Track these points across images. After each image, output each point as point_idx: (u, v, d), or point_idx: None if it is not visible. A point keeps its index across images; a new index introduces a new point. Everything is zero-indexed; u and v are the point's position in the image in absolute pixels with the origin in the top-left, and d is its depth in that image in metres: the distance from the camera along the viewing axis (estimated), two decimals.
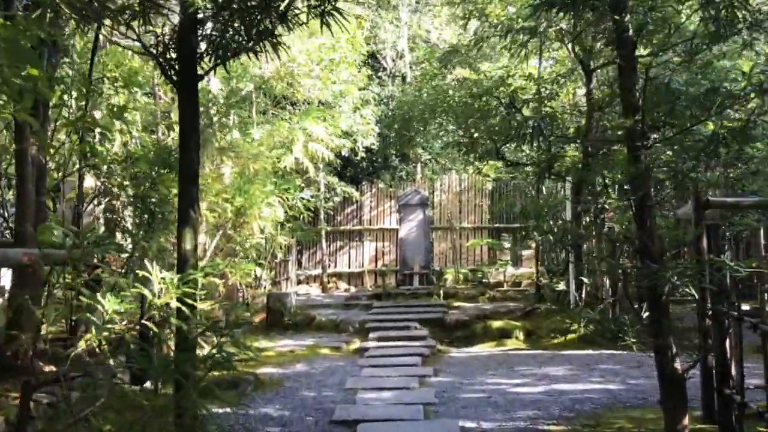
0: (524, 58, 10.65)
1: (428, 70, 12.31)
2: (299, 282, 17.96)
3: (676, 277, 4.55)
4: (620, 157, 6.04)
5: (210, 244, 8.71)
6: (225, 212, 7.56)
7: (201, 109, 7.18)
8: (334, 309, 13.38)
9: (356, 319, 11.81)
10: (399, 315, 11.90)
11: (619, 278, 10.45)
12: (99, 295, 3.83)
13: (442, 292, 13.84)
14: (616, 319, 5.04)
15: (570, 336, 10.06)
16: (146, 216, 5.43)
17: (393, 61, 18.70)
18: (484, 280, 16.01)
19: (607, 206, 11.59)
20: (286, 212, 13.42)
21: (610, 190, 11.59)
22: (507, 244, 16.63)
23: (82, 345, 3.61)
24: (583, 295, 10.24)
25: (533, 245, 16.98)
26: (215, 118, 7.09)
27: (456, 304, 13.39)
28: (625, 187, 5.59)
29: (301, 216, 14.26)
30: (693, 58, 7.08)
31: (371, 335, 10.48)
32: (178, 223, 4.81)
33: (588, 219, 11.09)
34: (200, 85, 6.96)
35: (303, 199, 15.01)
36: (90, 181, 5.91)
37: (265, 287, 14.65)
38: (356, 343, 10.35)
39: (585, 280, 10.26)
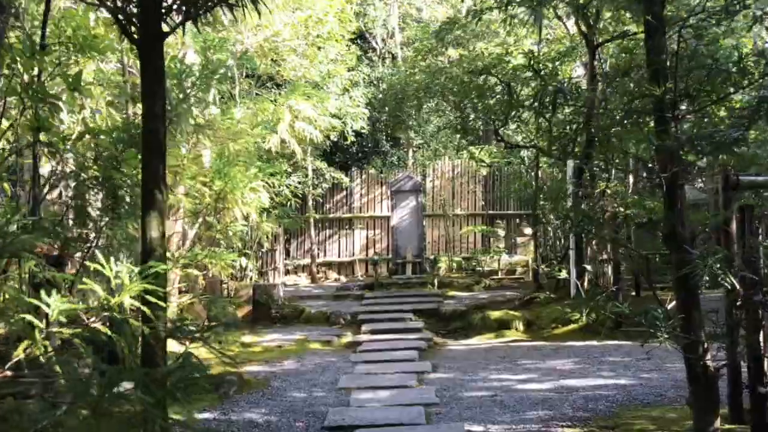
0: (524, 34, 10.06)
1: (422, 47, 11.64)
2: (287, 272, 17.34)
3: (718, 266, 3.97)
4: (633, 133, 5.46)
5: (189, 232, 8.09)
6: (204, 197, 6.94)
7: (174, 81, 6.56)
8: (325, 300, 12.81)
9: (348, 310, 11.24)
10: (392, 306, 11.34)
11: (622, 265, 9.99)
12: (45, 292, 3.22)
13: (436, 281, 13.30)
14: (646, 312, 4.42)
15: (571, 326, 9.54)
16: (111, 200, 4.80)
17: (383, 40, 18.02)
18: (478, 269, 15.51)
19: (608, 190, 11.10)
20: (271, 198, 12.81)
21: (613, 172, 11.11)
22: (501, 232, 16.10)
23: (19, 352, 3.00)
24: (585, 284, 9.69)
25: (528, 232, 16.51)
26: (191, 92, 6.42)
27: (451, 293, 12.86)
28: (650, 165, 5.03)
29: (288, 203, 13.67)
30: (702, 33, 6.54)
31: (364, 328, 9.91)
32: (143, 207, 4.19)
33: (591, 203, 10.58)
34: (173, 53, 6.30)
35: (290, 185, 14.42)
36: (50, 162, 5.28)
37: (251, 278, 14.05)
38: (348, 337, 9.78)
39: (588, 267, 9.72)
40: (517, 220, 17.58)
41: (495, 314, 10.03)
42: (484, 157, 15.71)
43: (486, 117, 9.86)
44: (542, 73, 10.20)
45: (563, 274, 9.82)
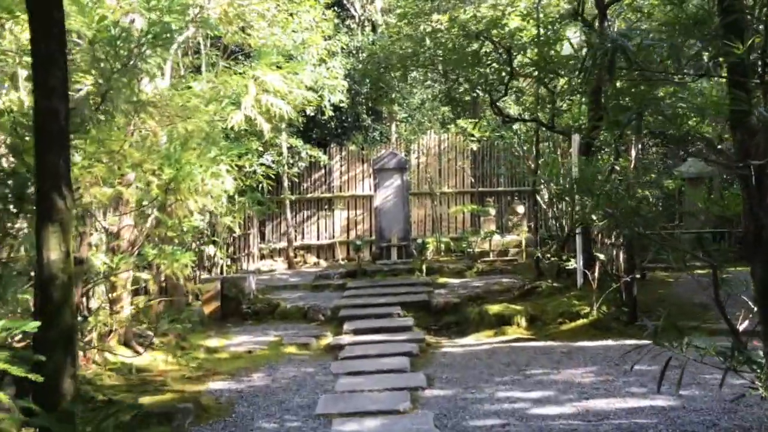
0: None
1: (407, 11, 10.34)
2: (263, 257, 16.15)
3: None
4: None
5: (138, 232, 6.88)
6: (152, 188, 5.74)
7: (107, 49, 5.30)
8: (302, 291, 11.67)
9: (327, 304, 10.11)
10: (377, 298, 10.24)
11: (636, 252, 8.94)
12: None
13: (424, 267, 12.19)
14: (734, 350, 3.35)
15: (581, 321, 8.50)
16: (10, 204, 3.60)
17: (362, 6, 16.65)
18: (468, 250, 14.42)
19: (617, 167, 10.01)
20: (241, 181, 11.56)
21: (623, 148, 10.01)
22: (492, 211, 15.00)
23: None
24: (596, 273, 8.62)
25: (521, 211, 15.45)
26: (131, 62, 5.17)
27: (441, 280, 11.79)
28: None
29: (260, 185, 12.44)
30: None
31: (346, 326, 8.79)
32: (37, 217, 3.02)
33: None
34: (114, 17, 5.10)
35: (263, 165, 13.16)
36: None
37: (221, 267, 12.86)
38: (328, 337, 8.67)
39: (600, 256, 8.64)
40: (509, 197, 16.51)
41: (494, 308, 8.94)
42: (474, 131, 14.53)
43: (482, 87, 8.69)
44: (542, 37, 9.02)
45: (572, 264, 8.72)
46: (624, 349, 7.24)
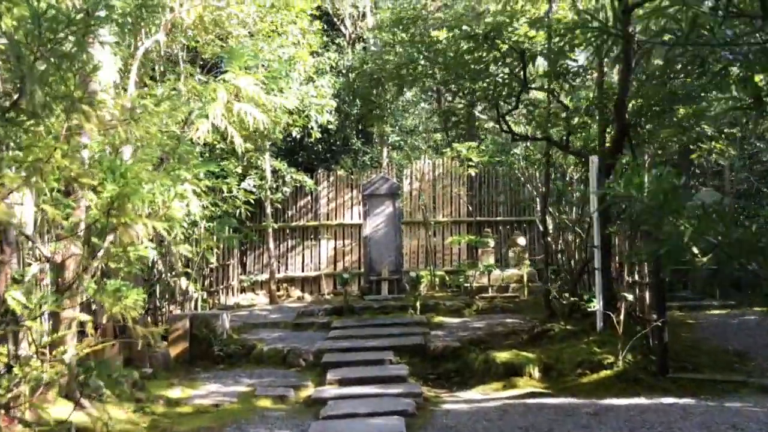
0: None
1: (402, 16, 9.28)
2: (243, 290, 14.91)
3: None
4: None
5: (86, 262, 5.66)
6: (93, 206, 4.55)
7: (30, 27, 4.16)
8: (282, 330, 10.41)
9: (310, 347, 8.87)
10: (366, 340, 9.02)
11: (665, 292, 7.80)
12: None
13: (418, 304, 10.99)
14: None
15: (604, 372, 7.31)
16: None
17: (353, 23, 15.68)
18: (465, 285, 13.26)
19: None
20: (215, 207, 10.40)
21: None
22: (492, 242, 13.87)
23: None
24: (621, 315, 7.46)
25: (522, 242, 14.33)
26: (59, 47, 4.04)
27: (437, 319, 10.59)
28: None
29: (237, 211, 11.28)
30: None
31: (330, 375, 7.54)
32: None
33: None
34: None
35: (243, 189, 12.00)
36: None
37: (195, 301, 11.60)
38: (309, 388, 7.42)
39: (628, 297, 7.46)
40: (509, 228, 15.41)
41: (501, 356, 7.73)
42: (472, 155, 13.47)
43: (489, 98, 7.60)
44: (554, 46, 7.97)
45: (595, 305, 7.53)
46: (661, 408, 6.10)
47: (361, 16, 15.59)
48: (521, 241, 14.35)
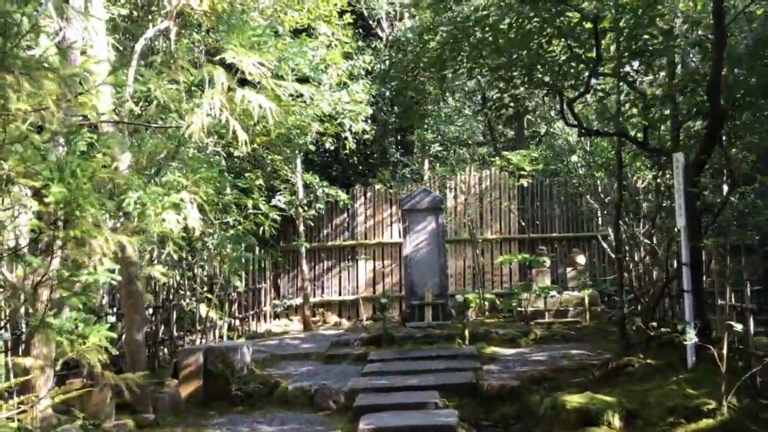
0: None
1: None
2: (277, 316, 13.79)
3: None
4: None
5: (46, 289, 4.53)
6: (33, 214, 3.41)
7: None
8: (313, 363, 9.17)
9: (342, 384, 7.59)
10: (407, 377, 7.70)
11: None
12: None
13: (467, 333, 9.62)
14: None
15: (704, 422, 5.82)
16: None
17: (390, 24, 14.54)
18: (518, 309, 11.83)
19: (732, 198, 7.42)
20: (237, 223, 9.28)
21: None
22: (547, 261, 12.41)
23: None
24: (725, 349, 5.96)
25: (581, 261, 12.84)
26: None
27: (489, 350, 9.20)
28: None
29: (261, 229, 10.14)
30: None
31: (363, 423, 6.22)
32: None
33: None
34: None
35: (268, 206, 10.86)
36: None
37: (219, 328, 10.47)
38: None
39: (737, 325, 5.95)
40: (565, 244, 13.93)
41: (572, 399, 6.29)
42: (523, 164, 12.11)
43: (552, 82, 6.25)
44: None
45: (690, 337, 6.03)
46: None
47: (398, 16, 14.44)
48: (580, 259, 12.87)
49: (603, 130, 7.42)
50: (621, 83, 6.94)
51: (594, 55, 5.90)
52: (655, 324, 7.67)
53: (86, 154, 4.06)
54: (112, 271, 3.89)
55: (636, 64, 6.93)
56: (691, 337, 5.90)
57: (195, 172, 5.48)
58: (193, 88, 5.86)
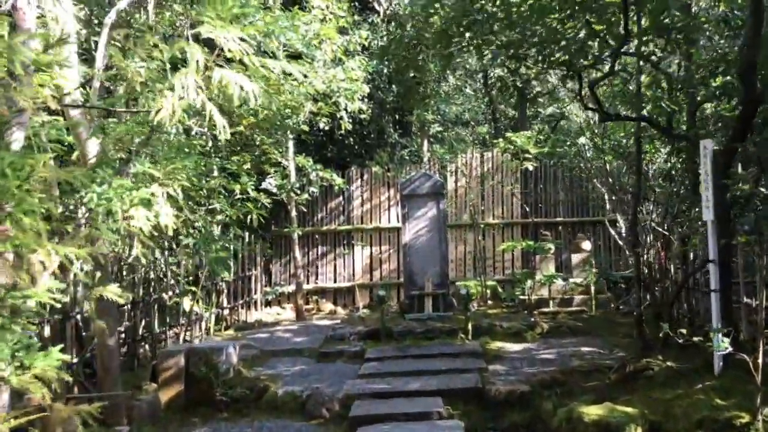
0: None
1: None
2: (268, 303, 13.18)
3: None
4: None
5: None
6: None
7: None
8: (305, 361, 8.58)
9: (336, 389, 7.00)
10: (407, 380, 7.13)
11: None
12: None
13: (470, 326, 9.05)
14: None
15: None
16: None
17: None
18: (521, 298, 11.27)
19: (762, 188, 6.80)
20: (223, 212, 8.64)
21: None
22: (552, 247, 11.80)
23: None
24: (760, 356, 5.37)
25: (587, 247, 12.26)
26: None
27: (494, 346, 8.64)
28: None
29: (249, 217, 9.50)
30: None
31: None
32: None
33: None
34: None
35: (256, 190, 10.20)
36: None
37: (206, 321, 9.86)
38: None
39: None
40: (570, 229, 13.34)
41: (590, 411, 5.71)
42: (528, 146, 11.46)
43: (574, 59, 5.58)
44: None
45: (725, 346, 5.43)
46: None
47: None
48: (586, 245, 12.29)
49: (624, 115, 6.75)
50: (645, 63, 6.28)
51: (619, 31, 5.22)
52: (670, 322, 7.08)
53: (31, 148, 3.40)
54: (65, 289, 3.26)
55: (659, 43, 6.27)
56: (725, 347, 5.29)
57: (169, 161, 4.82)
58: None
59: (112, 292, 3.85)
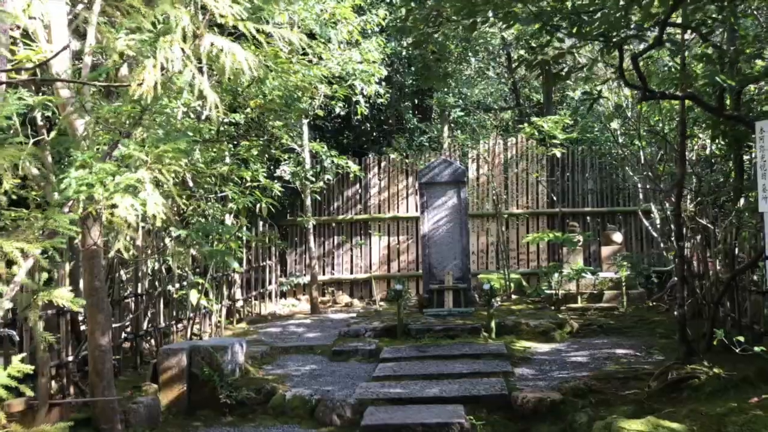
0: None
1: None
2: (284, 294, 12.70)
3: None
4: None
5: None
6: None
7: None
8: (316, 361, 8.06)
9: (349, 392, 6.46)
10: (426, 384, 6.56)
11: None
12: None
13: (494, 324, 8.46)
14: None
15: None
16: None
17: None
18: (548, 292, 10.67)
19: None
20: (231, 201, 8.12)
21: None
22: (580, 239, 11.16)
23: None
24: None
25: (618, 239, 11.59)
26: None
27: (520, 346, 8.06)
28: None
29: (258, 206, 8.98)
30: None
31: None
32: None
33: None
34: None
35: (275, 178, 9.67)
36: None
37: (218, 314, 9.38)
38: None
39: None
40: (599, 219, 12.66)
41: (630, 426, 5.08)
42: (556, 132, 10.79)
43: (609, 35, 4.92)
44: None
45: None
46: None
47: None
48: (617, 237, 11.62)
49: (669, 92, 6.08)
50: (692, 34, 5.63)
51: None
52: (714, 323, 6.44)
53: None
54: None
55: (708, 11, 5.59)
56: None
57: (158, 143, 4.28)
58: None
59: (62, 297, 3.32)
